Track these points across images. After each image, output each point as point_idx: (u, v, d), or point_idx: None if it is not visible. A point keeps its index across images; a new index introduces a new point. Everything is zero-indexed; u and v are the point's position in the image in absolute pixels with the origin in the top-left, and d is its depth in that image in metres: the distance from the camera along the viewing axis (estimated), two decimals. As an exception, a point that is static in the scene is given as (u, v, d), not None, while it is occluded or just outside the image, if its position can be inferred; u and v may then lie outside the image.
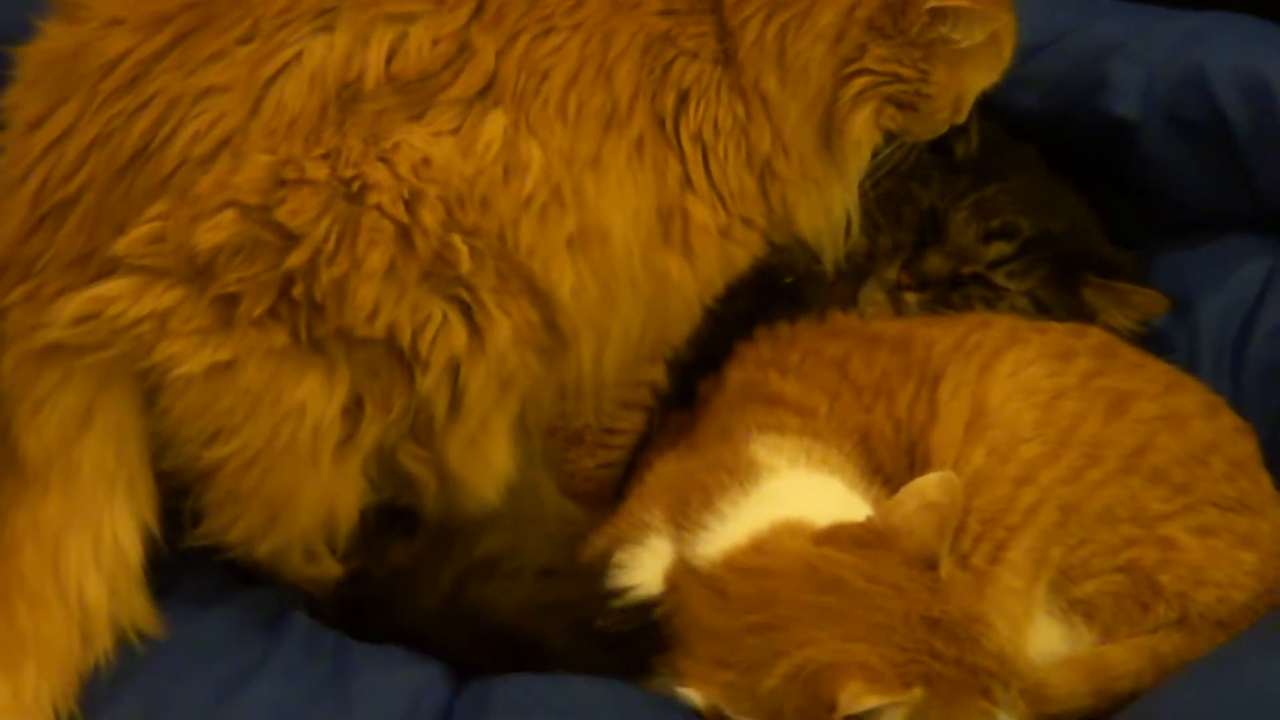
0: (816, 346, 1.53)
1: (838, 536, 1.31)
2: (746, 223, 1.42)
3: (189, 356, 1.27)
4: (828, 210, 1.46)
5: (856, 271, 1.63)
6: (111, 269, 1.26)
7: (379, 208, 1.26)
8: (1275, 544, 1.44)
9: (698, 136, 1.38)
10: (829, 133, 1.43)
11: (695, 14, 1.38)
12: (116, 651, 1.33)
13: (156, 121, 1.26)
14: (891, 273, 1.64)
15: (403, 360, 1.31)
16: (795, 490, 1.37)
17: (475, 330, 1.31)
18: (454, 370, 1.32)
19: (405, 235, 1.27)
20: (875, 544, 1.29)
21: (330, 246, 1.26)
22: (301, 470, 1.32)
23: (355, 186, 1.26)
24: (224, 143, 1.25)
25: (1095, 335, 1.53)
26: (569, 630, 1.34)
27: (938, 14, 1.40)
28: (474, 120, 1.29)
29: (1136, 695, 1.38)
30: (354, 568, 1.40)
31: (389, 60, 1.27)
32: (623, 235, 1.34)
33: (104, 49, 1.28)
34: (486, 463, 1.38)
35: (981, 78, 1.50)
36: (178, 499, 1.36)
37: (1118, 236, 1.71)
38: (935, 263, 1.63)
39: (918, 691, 1.23)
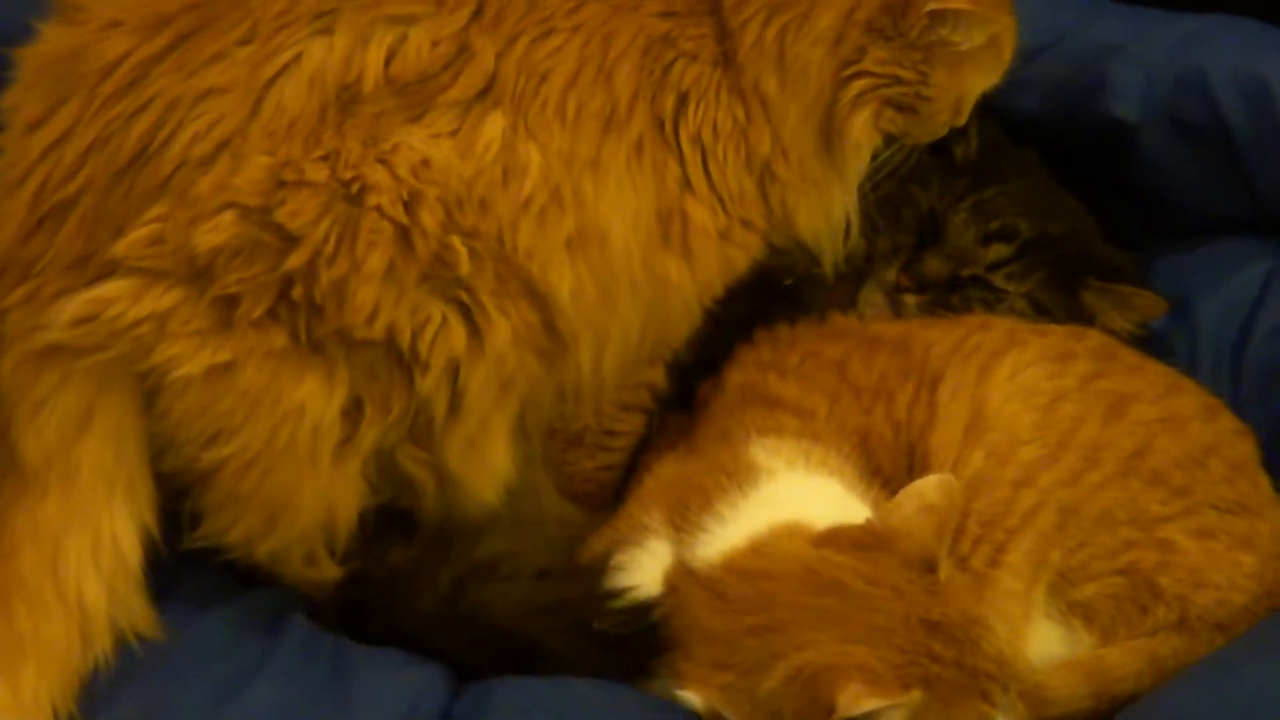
0: (816, 349, 1.53)
1: (837, 539, 1.30)
2: (746, 225, 1.42)
3: (188, 358, 1.26)
4: (827, 213, 1.45)
5: (856, 273, 1.63)
6: (111, 270, 1.26)
7: (378, 209, 1.26)
8: (1274, 546, 1.43)
9: (697, 138, 1.37)
10: (829, 135, 1.42)
11: (695, 16, 1.38)
12: (116, 653, 1.32)
13: (156, 123, 1.26)
14: (891, 275, 1.64)
15: (402, 362, 1.31)
16: (794, 492, 1.37)
17: (474, 331, 1.31)
18: (453, 371, 1.31)
19: (405, 237, 1.26)
20: (874, 546, 1.29)
21: (330, 248, 1.25)
22: (301, 471, 1.32)
23: (355, 188, 1.25)
24: (223, 144, 1.25)
25: (1094, 338, 1.53)
26: (568, 632, 1.34)
27: (938, 16, 1.40)
28: (473, 122, 1.28)
29: (1135, 697, 1.37)
30: (353, 570, 1.39)
31: (388, 62, 1.27)
32: (622, 237, 1.33)
33: (103, 51, 1.27)
34: (486, 464, 1.37)
35: (981, 80, 1.49)
36: (177, 501, 1.35)
37: (1117, 239, 1.71)
38: (934, 265, 1.63)
39: (917, 694, 1.22)
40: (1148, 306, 1.63)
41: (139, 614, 1.34)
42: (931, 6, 1.39)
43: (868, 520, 1.32)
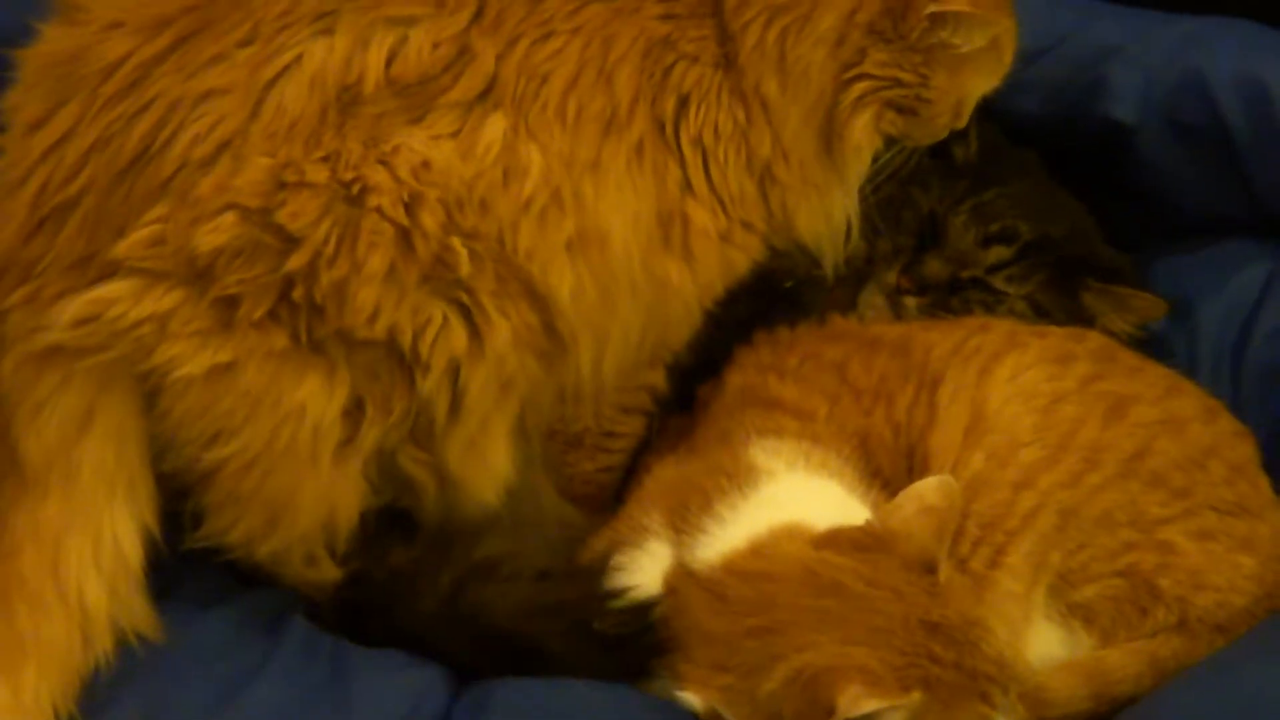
0: (815, 350, 1.52)
1: (836, 540, 1.30)
2: (747, 227, 1.41)
3: (189, 358, 1.26)
4: (828, 215, 1.45)
5: (856, 275, 1.62)
6: (112, 271, 1.25)
7: (379, 210, 1.25)
8: (1274, 548, 1.43)
9: (698, 141, 1.37)
10: (829, 137, 1.42)
11: (696, 18, 1.37)
12: (116, 653, 1.31)
13: (157, 124, 1.25)
14: (891, 277, 1.63)
15: (403, 362, 1.30)
16: (794, 494, 1.36)
17: (475, 333, 1.30)
18: (454, 372, 1.31)
19: (405, 238, 1.26)
20: (874, 548, 1.28)
21: (330, 249, 1.25)
22: (302, 472, 1.31)
23: (355, 189, 1.25)
24: (224, 145, 1.24)
25: (1094, 339, 1.52)
26: (568, 633, 1.33)
27: (938, 19, 1.39)
28: (474, 123, 1.28)
29: (1135, 699, 1.37)
30: (353, 571, 1.38)
31: (389, 63, 1.26)
32: (622, 239, 1.33)
33: (104, 52, 1.27)
34: (486, 464, 1.37)
35: (982, 83, 1.49)
36: (178, 501, 1.34)
37: (1116, 240, 1.70)
38: (934, 267, 1.62)
39: (916, 695, 1.22)
40: (1147, 308, 1.62)
41: (140, 614, 1.33)
42: (932, 9, 1.38)
43: (867, 522, 1.31)
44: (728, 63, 1.38)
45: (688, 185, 1.37)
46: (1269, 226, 1.69)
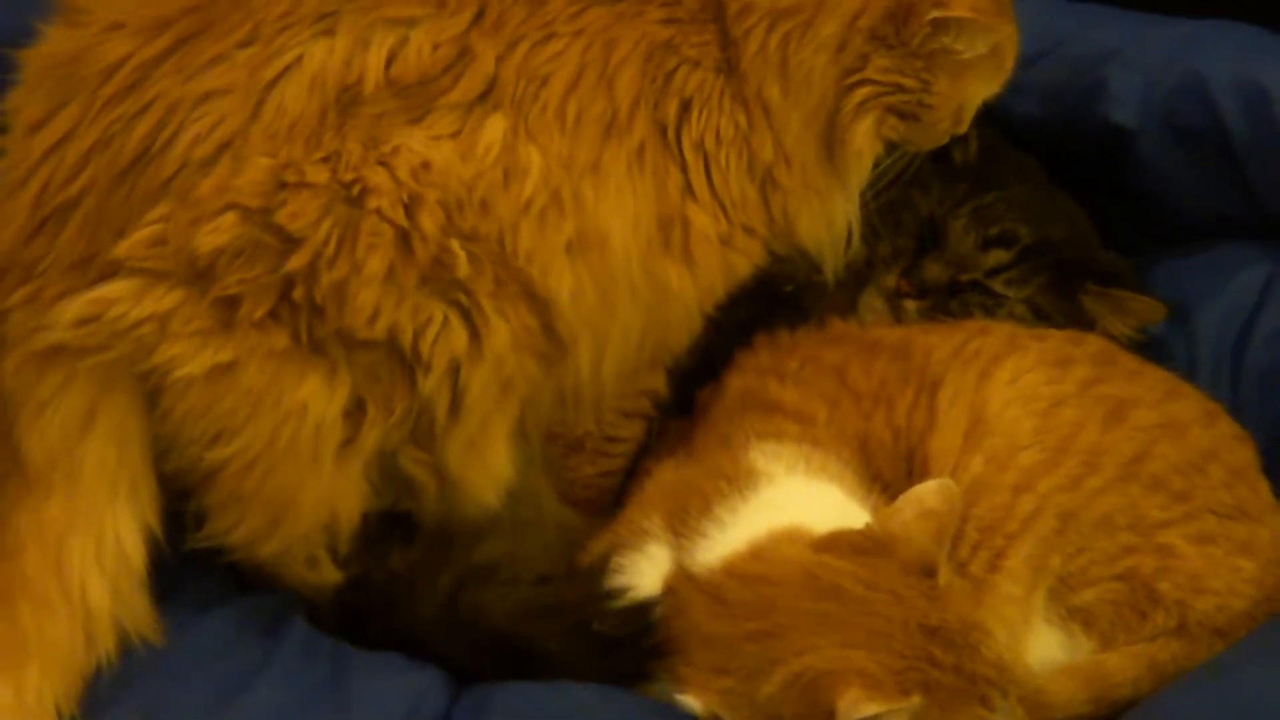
0: (815, 354, 1.50)
1: (836, 544, 1.27)
2: (748, 231, 1.39)
3: (190, 358, 1.24)
4: (829, 221, 1.43)
5: (855, 279, 1.59)
6: (113, 271, 1.23)
7: (378, 212, 1.23)
8: (1274, 551, 1.40)
9: (699, 145, 1.35)
10: (831, 143, 1.39)
11: (698, 23, 1.35)
12: (118, 653, 1.29)
13: (157, 125, 1.23)
14: (890, 280, 1.60)
15: (404, 362, 1.28)
16: (794, 497, 1.34)
17: (474, 334, 1.28)
18: (455, 372, 1.29)
19: (404, 239, 1.24)
20: (874, 551, 1.26)
21: (330, 250, 1.23)
22: (303, 471, 1.29)
23: (355, 190, 1.23)
24: (225, 146, 1.22)
25: (1094, 343, 1.49)
26: (567, 634, 1.31)
27: (940, 25, 1.37)
28: (474, 124, 1.26)
29: (1135, 703, 1.34)
30: (353, 574, 1.36)
31: (389, 64, 1.24)
32: (622, 241, 1.31)
33: (104, 53, 1.25)
34: (486, 465, 1.34)
35: (983, 88, 1.47)
36: (180, 501, 1.32)
37: (1116, 243, 1.68)
38: (934, 270, 1.59)
39: (916, 699, 1.20)
40: (1147, 311, 1.59)
41: (141, 614, 1.30)
42: (934, 15, 1.36)
43: (867, 525, 1.29)
44: (730, 68, 1.35)
45: (689, 189, 1.35)
46: (1268, 229, 1.67)
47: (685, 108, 1.34)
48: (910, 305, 1.59)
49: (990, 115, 1.54)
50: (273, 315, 1.23)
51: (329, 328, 1.24)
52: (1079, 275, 1.59)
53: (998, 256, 1.59)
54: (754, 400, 1.46)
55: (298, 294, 1.23)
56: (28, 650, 1.25)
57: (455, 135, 1.25)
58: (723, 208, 1.36)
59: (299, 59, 1.23)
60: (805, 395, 1.45)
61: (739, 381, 1.49)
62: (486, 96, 1.26)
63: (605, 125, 1.30)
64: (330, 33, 1.24)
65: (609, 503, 1.51)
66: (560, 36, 1.29)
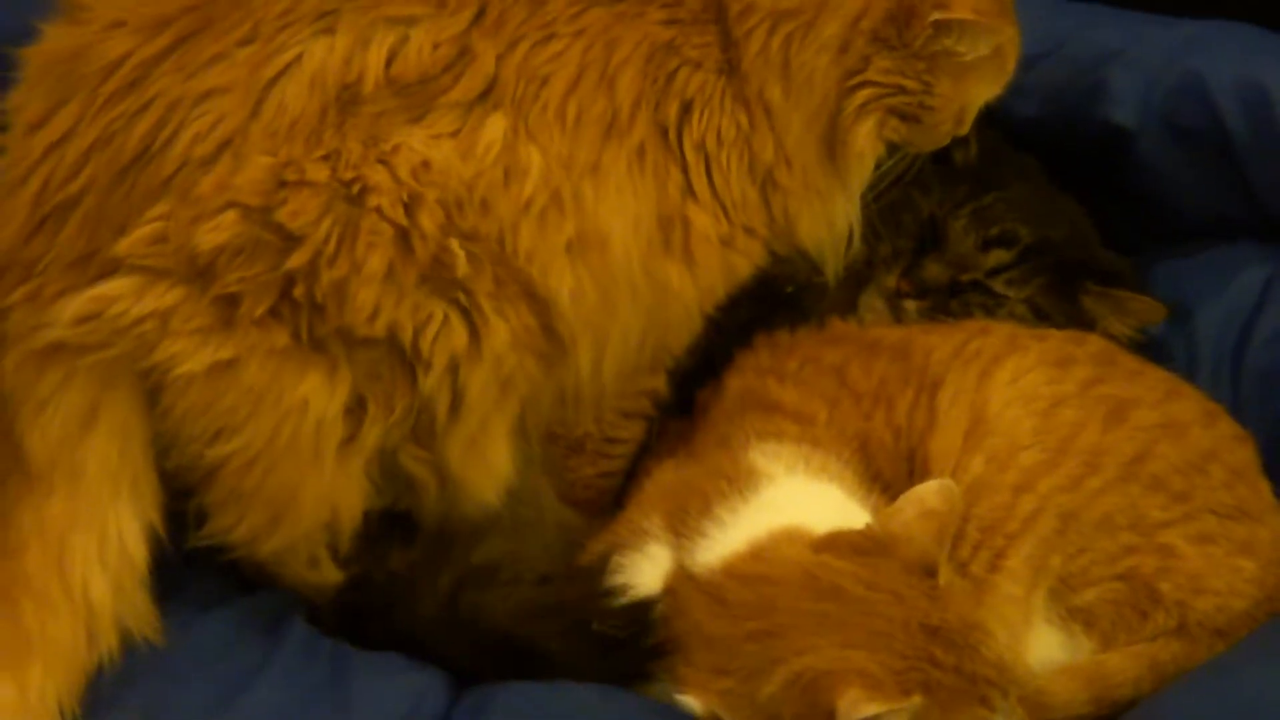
0: (815, 354, 1.48)
1: (836, 544, 1.25)
2: (749, 232, 1.37)
3: (190, 355, 1.22)
4: (830, 222, 1.41)
5: (856, 279, 1.57)
6: (113, 269, 1.21)
7: (378, 210, 1.21)
8: (1274, 551, 1.38)
9: (700, 146, 1.33)
10: (832, 144, 1.38)
11: (699, 24, 1.33)
12: (120, 652, 1.27)
13: (157, 123, 1.21)
14: (891, 280, 1.58)
15: (404, 360, 1.26)
16: (794, 498, 1.32)
17: (473, 333, 1.26)
18: (455, 370, 1.27)
19: (404, 238, 1.22)
20: (874, 551, 1.24)
21: (331, 248, 1.21)
22: (304, 469, 1.27)
23: (355, 189, 1.21)
24: (225, 144, 1.21)
25: (1094, 343, 1.47)
26: (567, 634, 1.29)
27: (943, 26, 1.35)
28: (474, 123, 1.24)
29: (1135, 703, 1.32)
30: (353, 575, 1.34)
31: (389, 63, 1.22)
32: (622, 242, 1.29)
33: (105, 51, 1.23)
34: (486, 464, 1.32)
35: (985, 90, 1.45)
36: (181, 500, 1.30)
37: (1116, 244, 1.65)
38: (934, 270, 1.57)
39: (917, 699, 1.18)
40: (1147, 311, 1.57)
41: (143, 613, 1.28)
42: (936, 16, 1.34)
43: (867, 525, 1.27)
44: (731, 68, 1.33)
45: (689, 190, 1.33)
46: (1268, 230, 1.65)
47: (686, 108, 1.32)
48: (910, 305, 1.57)
49: (991, 116, 1.53)
50: (273, 313, 1.22)
51: (329, 326, 1.22)
52: (1079, 275, 1.57)
53: (998, 257, 1.57)
54: (754, 400, 1.44)
55: (298, 292, 1.21)
56: (30, 649, 1.23)
57: (455, 134, 1.23)
58: (723, 208, 1.34)
59: (299, 57, 1.21)
60: (805, 395, 1.44)
61: (739, 381, 1.47)
62: (487, 96, 1.24)
63: (606, 125, 1.28)
64: (330, 31, 1.22)
65: (609, 503, 1.50)
66: (561, 37, 1.27)
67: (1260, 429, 1.46)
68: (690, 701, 1.23)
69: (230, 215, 1.19)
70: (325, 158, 1.20)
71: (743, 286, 1.41)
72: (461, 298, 1.24)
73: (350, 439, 1.27)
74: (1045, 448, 1.36)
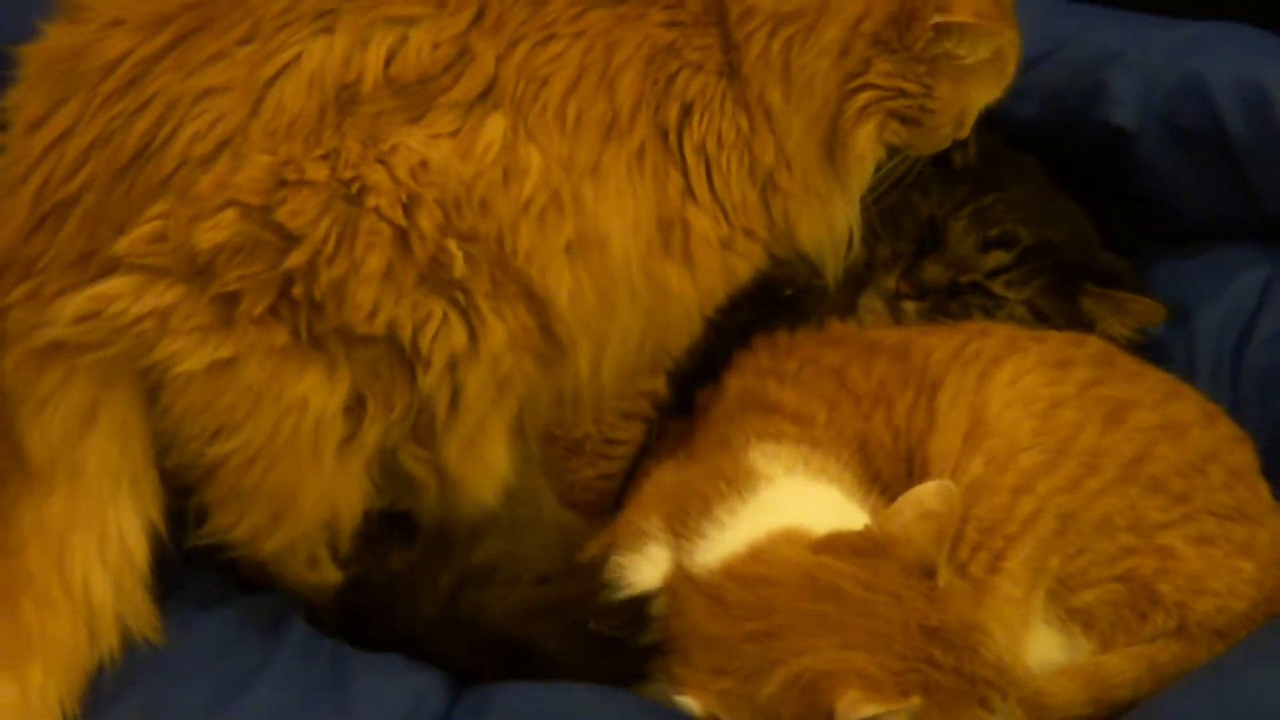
0: (815, 355, 1.45)
1: (836, 545, 1.23)
2: (749, 235, 1.35)
3: (190, 354, 1.20)
4: (830, 224, 1.39)
5: (855, 280, 1.55)
6: (112, 268, 1.19)
7: (377, 210, 1.19)
8: (1273, 553, 1.35)
9: (701, 148, 1.30)
10: (832, 147, 1.35)
11: (700, 26, 1.31)
12: (120, 651, 1.24)
13: (157, 122, 1.19)
14: (890, 282, 1.56)
15: (404, 358, 1.24)
16: (793, 498, 1.30)
17: (471, 332, 1.24)
18: (454, 368, 1.25)
19: (402, 239, 1.20)
20: (873, 552, 1.22)
21: (330, 247, 1.19)
22: (304, 467, 1.25)
23: (354, 188, 1.19)
24: (224, 143, 1.19)
25: (1094, 344, 1.45)
26: (566, 633, 1.27)
27: (943, 30, 1.33)
28: (473, 123, 1.22)
29: (1134, 704, 1.30)
30: (353, 575, 1.32)
31: (388, 63, 1.20)
32: (621, 243, 1.26)
33: (104, 49, 1.21)
34: (484, 463, 1.30)
35: (985, 93, 1.43)
36: (182, 499, 1.28)
37: (1116, 245, 1.63)
38: (934, 272, 1.55)
39: (916, 700, 1.16)
40: (1146, 312, 1.55)
41: (144, 611, 1.26)
42: (937, 19, 1.32)
43: (866, 526, 1.25)
44: (732, 71, 1.31)
45: (689, 192, 1.30)
46: (1268, 231, 1.62)
47: (687, 111, 1.30)
48: (910, 307, 1.55)
49: (991, 117, 1.50)
50: (272, 311, 1.20)
51: (328, 324, 1.20)
52: (1079, 276, 1.55)
53: (998, 258, 1.55)
54: (753, 401, 1.42)
55: (297, 291, 1.19)
56: (31, 648, 1.21)
57: (454, 134, 1.21)
58: (723, 211, 1.32)
59: (298, 57, 1.19)
60: (804, 396, 1.41)
61: (738, 383, 1.45)
62: (486, 96, 1.22)
63: (606, 127, 1.26)
64: (329, 31, 1.20)
65: (609, 505, 1.48)
66: (561, 38, 1.25)
67: (1260, 430, 1.45)
68: (689, 702, 1.22)
69: (229, 214, 1.17)
70: (324, 157, 1.18)
71: (742, 289, 1.38)
72: (459, 297, 1.22)
73: (350, 437, 1.25)
74: (1044, 449, 1.34)
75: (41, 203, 1.21)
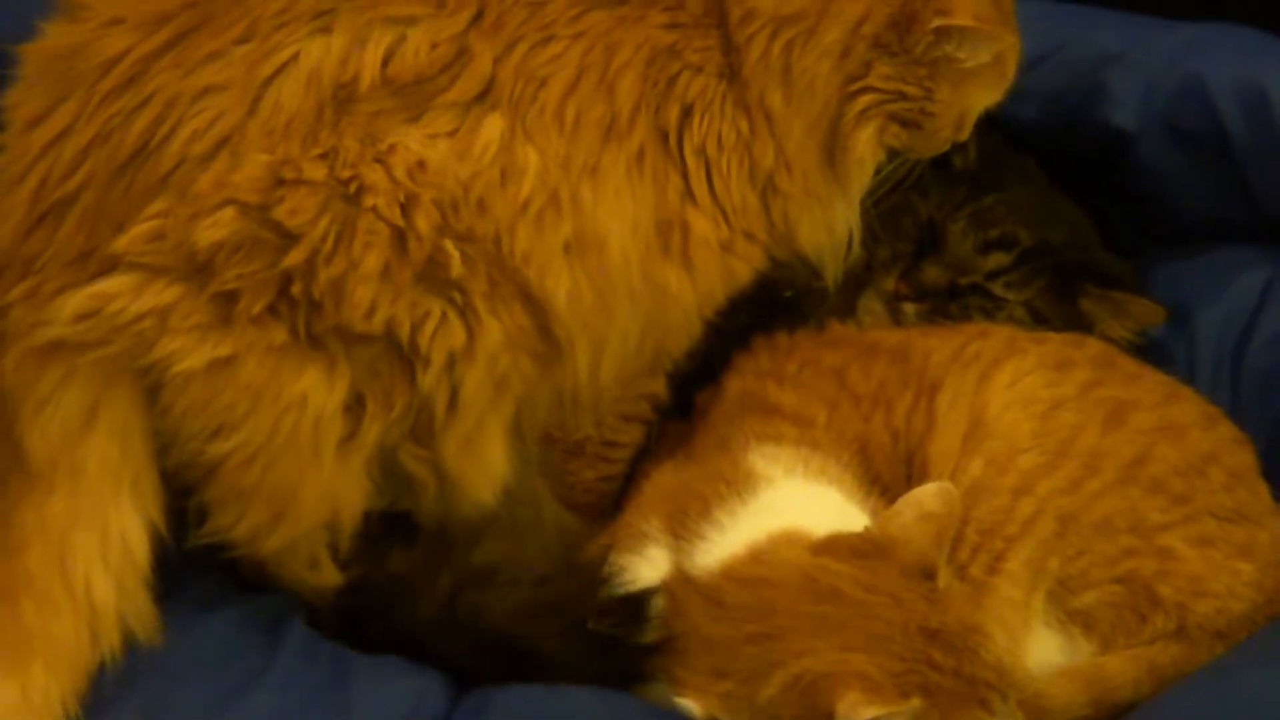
0: (814, 356, 1.43)
1: (835, 547, 1.21)
2: (748, 237, 1.32)
3: (189, 352, 1.17)
4: (830, 227, 1.36)
5: (854, 281, 1.52)
6: (111, 266, 1.17)
7: (375, 210, 1.17)
8: (1273, 554, 1.33)
9: (701, 150, 1.28)
10: (833, 149, 1.33)
11: (701, 28, 1.28)
12: (122, 651, 1.22)
13: (155, 120, 1.17)
14: (890, 283, 1.53)
15: (403, 357, 1.22)
16: (793, 500, 1.28)
17: (468, 332, 1.21)
18: (453, 367, 1.22)
19: (400, 238, 1.17)
20: (873, 554, 1.19)
21: (328, 247, 1.17)
22: (304, 465, 1.22)
23: (352, 188, 1.17)
24: (223, 142, 1.16)
25: (1093, 345, 1.43)
26: (565, 633, 1.24)
27: (943, 33, 1.30)
28: (471, 124, 1.19)
29: (1134, 706, 1.28)
30: (353, 577, 1.29)
31: (385, 63, 1.18)
32: (620, 244, 1.24)
33: (103, 48, 1.18)
34: (482, 463, 1.27)
35: (985, 97, 1.40)
36: (182, 499, 1.25)
37: (1116, 246, 1.61)
38: (933, 273, 1.52)
39: (916, 702, 1.14)
40: (1146, 314, 1.53)
41: (145, 612, 1.23)
42: (937, 23, 1.30)
43: (866, 528, 1.23)
44: (732, 73, 1.29)
45: (689, 194, 1.28)
46: (1268, 232, 1.60)
47: (687, 113, 1.27)
48: (909, 308, 1.53)
49: (991, 119, 1.48)
50: (271, 310, 1.17)
51: (327, 323, 1.18)
52: (1078, 278, 1.53)
53: (997, 259, 1.53)
54: (753, 403, 1.40)
55: (296, 289, 1.17)
56: (32, 648, 1.19)
57: (452, 134, 1.18)
58: (723, 213, 1.30)
59: (295, 56, 1.16)
60: (804, 398, 1.39)
61: (738, 384, 1.43)
62: (484, 96, 1.19)
63: (605, 128, 1.23)
64: (327, 30, 1.17)
65: (609, 507, 1.45)
66: (560, 39, 1.22)
67: (1260, 431, 1.43)
68: (689, 704, 1.20)
69: (228, 212, 1.15)
70: (322, 156, 1.16)
71: (742, 291, 1.36)
72: (456, 297, 1.20)
73: (350, 436, 1.23)
74: (1044, 450, 1.31)
75: (40, 201, 1.18)
